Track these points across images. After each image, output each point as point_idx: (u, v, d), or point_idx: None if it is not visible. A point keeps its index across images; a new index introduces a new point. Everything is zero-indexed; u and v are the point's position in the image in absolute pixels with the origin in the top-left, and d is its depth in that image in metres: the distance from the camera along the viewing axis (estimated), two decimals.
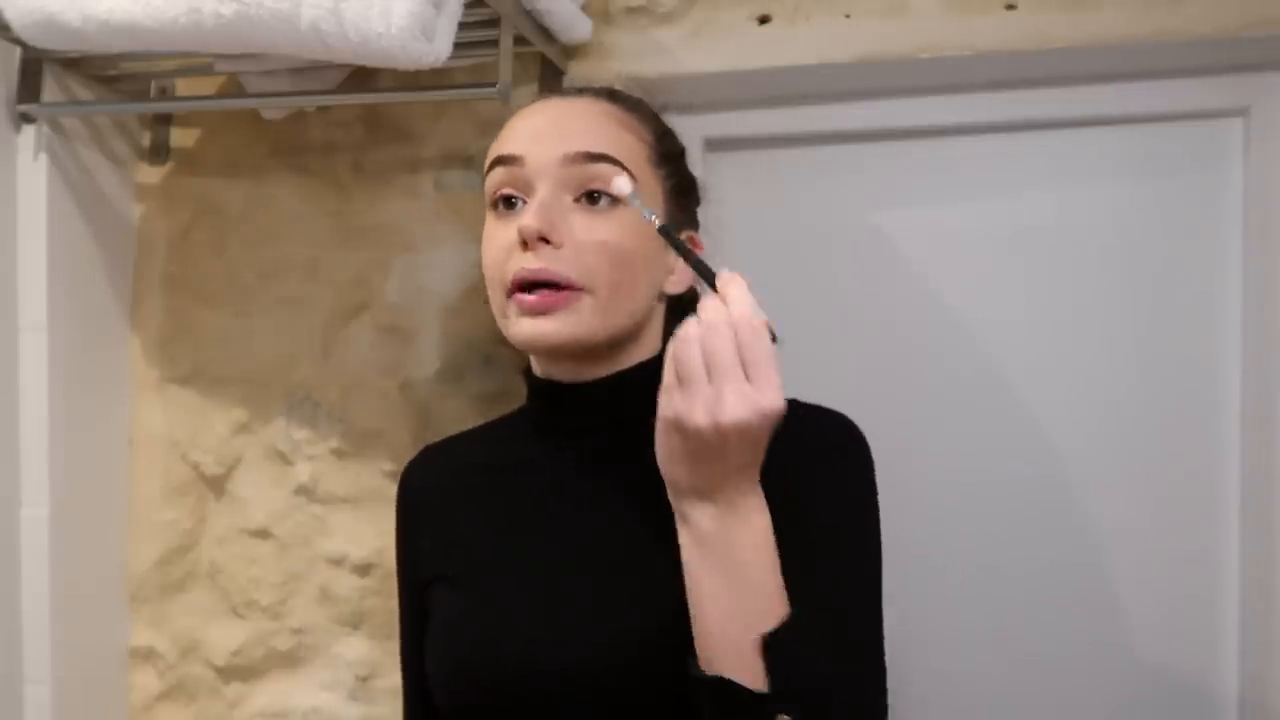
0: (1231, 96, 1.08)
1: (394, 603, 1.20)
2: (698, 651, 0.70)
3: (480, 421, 1.17)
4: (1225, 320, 1.09)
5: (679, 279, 0.87)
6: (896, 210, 1.17)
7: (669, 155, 0.88)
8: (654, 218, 0.74)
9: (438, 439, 1.20)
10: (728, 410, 0.64)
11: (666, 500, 0.74)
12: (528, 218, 0.79)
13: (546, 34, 1.08)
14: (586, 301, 0.80)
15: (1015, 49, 1.05)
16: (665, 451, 0.69)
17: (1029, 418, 1.13)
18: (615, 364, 0.85)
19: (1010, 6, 1.05)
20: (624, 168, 0.81)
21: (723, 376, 0.65)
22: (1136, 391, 1.11)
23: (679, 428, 0.67)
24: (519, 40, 1.04)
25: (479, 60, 1.11)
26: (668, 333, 0.88)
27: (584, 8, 1.10)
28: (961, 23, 1.06)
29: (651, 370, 0.82)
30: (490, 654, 0.81)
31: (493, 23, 1.01)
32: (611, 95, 0.88)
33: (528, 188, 0.82)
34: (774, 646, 0.67)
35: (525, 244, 0.80)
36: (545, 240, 0.79)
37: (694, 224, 0.92)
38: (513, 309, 0.81)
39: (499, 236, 0.83)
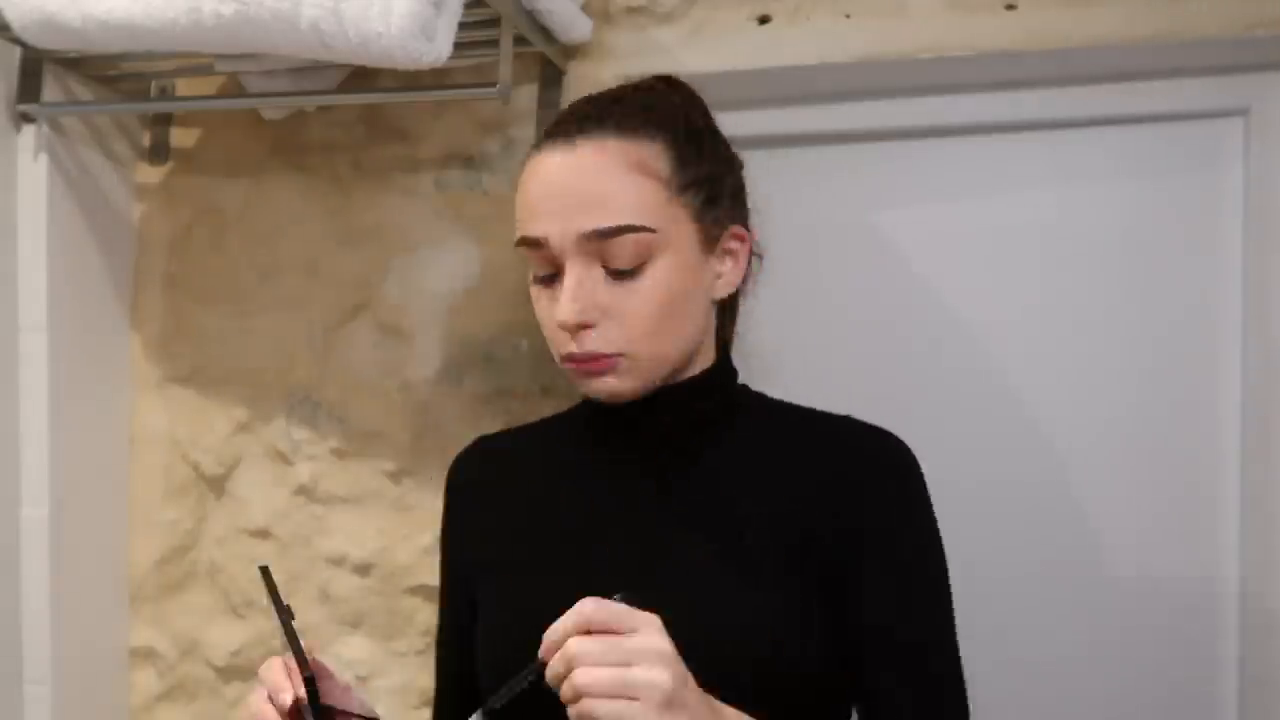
0: (1231, 96, 1.08)
1: (394, 603, 1.21)
2: None
3: (480, 421, 1.18)
4: (1225, 320, 1.09)
5: (726, 282, 0.87)
6: (896, 210, 1.17)
7: (693, 176, 0.84)
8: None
9: (434, 436, 1.21)
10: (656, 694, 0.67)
11: (719, 508, 0.83)
12: (561, 312, 0.81)
13: (546, 34, 1.08)
14: (626, 364, 0.83)
15: (1015, 49, 1.05)
16: None
17: (1028, 417, 1.13)
18: (672, 377, 0.87)
19: (1010, 6, 1.05)
20: (644, 229, 0.80)
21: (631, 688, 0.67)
22: (1137, 391, 1.11)
23: None
24: (519, 40, 1.04)
25: (479, 60, 1.11)
26: (720, 335, 0.92)
27: (584, 8, 1.10)
28: (961, 22, 1.06)
29: (706, 380, 0.88)
30: None
31: (493, 23, 1.02)
32: (618, 125, 0.83)
33: (557, 263, 0.83)
34: None
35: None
36: (583, 326, 0.82)
37: (739, 218, 0.89)
38: (570, 371, 0.85)
39: (544, 310, 0.86)
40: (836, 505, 0.82)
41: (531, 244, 0.83)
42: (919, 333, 1.16)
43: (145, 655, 1.28)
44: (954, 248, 1.15)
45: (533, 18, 1.04)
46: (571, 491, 0.89)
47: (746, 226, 0.89)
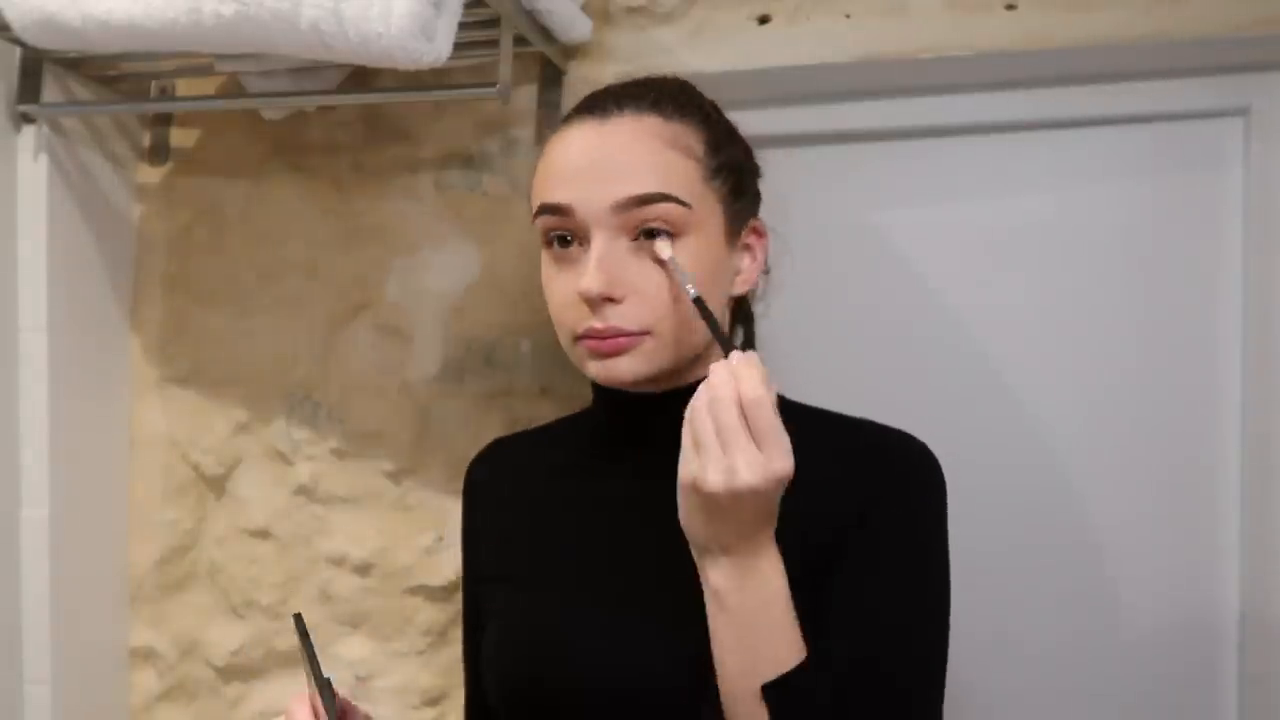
0: (1231, 96, 1.08)
1: (394, 603, 1.21)
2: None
3: (480, 421, 1.18)
4: (1225, 320, 1.09)
5: (745, 278, 0.87)
6: (896, 210, 1.17)
7: (721, 155, 0.84)
8: (690, 288, 0.78)
9: (434, 436, 1.20)
10: (740, 476, 0.68)
11: None
12: (588, 280, 0.77)
13: (546, 34, 1.08)
14: (651, 343, 0.80)
15: (1015, 49, 1.05)
16: (684, 510, 0.73)
17: (1029, 418, 1.13)
18: (683, 378, 0.85)
19: (1010, 6, 1.05)
20: (680, 201, 0.79)
21: (734, 446, 0.69)
22: (1137, 391, 1.11)
23: (696, 490, 0.70)
24: (519, 40, 1.04)
25: (479, 60, 1.11)
26: (732, 333, 0.90)
27: (584, 7, 1.10)
28: (961, 23, 1.06)
29: None
30: (549, 661, 0.81)
31: (493, 22, 1.02)
32: (655, 103, 0.83)
33: (581, 232, 0.81)
34: (775, 695, 0.71)
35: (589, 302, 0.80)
36: (608, 299, 0.79)
37: (754, 210, 0.89)
38: (581, 352, 0.82)
39: (560, 285, 0.82)
40: (848, 512, 0.79)
41: (553, 210, 0.81)
42: (918, 333, 1.16)
43: (145, 655, 1.28)
44: (954, 248, 1.15)
45: (533, 18, 1.04)
46: (582, 500, 0.88)
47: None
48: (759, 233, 0.88)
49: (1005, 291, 1.14)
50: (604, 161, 0.80)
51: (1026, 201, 1.13)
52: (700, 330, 0.82)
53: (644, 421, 0.86)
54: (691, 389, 0.82)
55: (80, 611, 1.21)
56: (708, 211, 0.82)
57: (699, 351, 0.84)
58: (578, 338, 0.81)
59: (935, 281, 1.15)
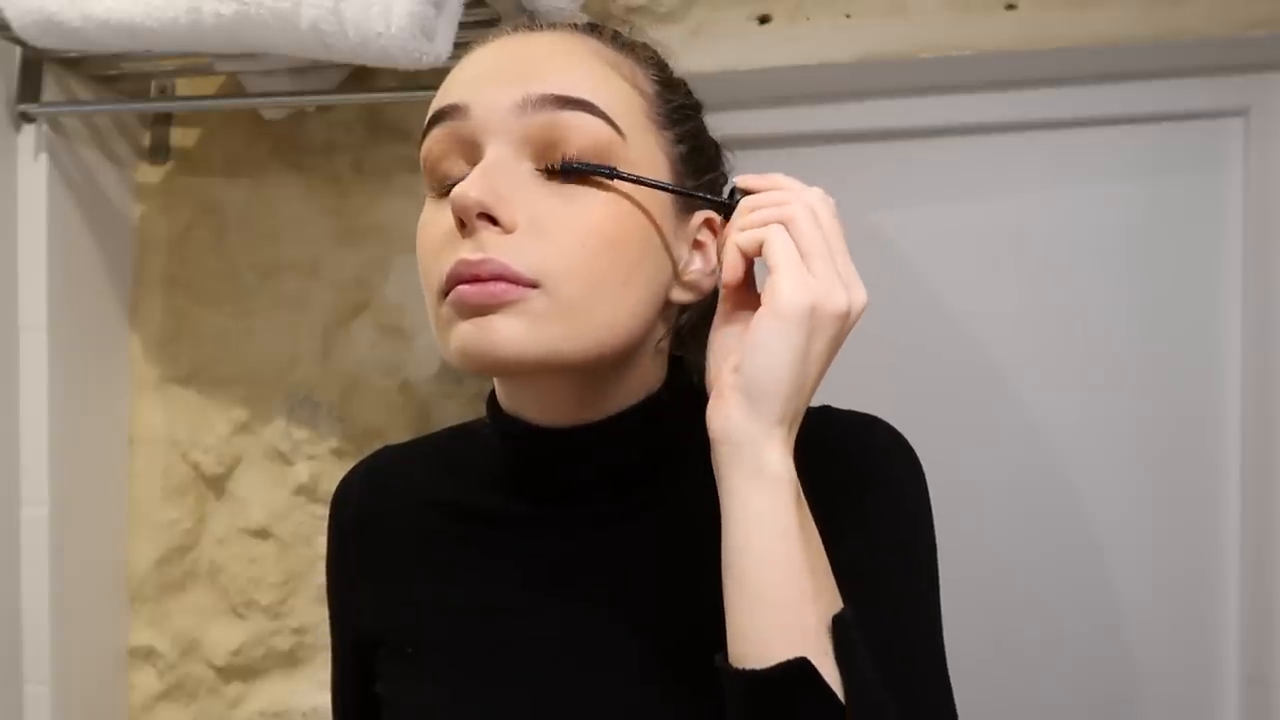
0: (1231, 96, 1.08)
1: None
2: (746, 643, 0.54)
3: None
4: (1225, 320, 1.09)
5: (693, 281, 0.65)
6: (896, 210, 1.17)
7: (678, 112, 0.65)
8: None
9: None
10: (859, 293, 0.58)
11: (680, 580, 0.62)
12: (463, 185, 0.57)
13: None
14: (542, 303, 0.57)
15: (1015, 49, 1.05)
16: (774, 361, 0.55)
17: (1027, 417, 1.13)
18: (602, 404, 0.65)
19: (1010, 6, 1.06)
20: (610, 121, 0.59)
21: (839, 261, 0.58)
22: (1137, 391, 1.11)
23: (815, 316, 0.56)
24: None
25: None
26: (674, 363, 0.69)
27: (584, 8, 1.10)
28: (961, 23, 1.06)
29: (653, 414, 0.66)
30: None
31: (493, 22, 1.02)
32: (594, 28, 0.65)
33: (474, 150, 0.60)
34: (843, 630, 0.54)
35: (463, 225, 0.58)
36: (491, 220, 0.57)
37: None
38: (446, 315, 0.59)
39: (436, 223, 0.62)
40: (823, 514, 0.60)
41: (444, 117, 0.62)
42: (918, 333, 1.16)
43: (145, 655, 1.28)
44: (953, 247, 1.15)
45: (533, 18, 1.04)
46: (488, 560, 0.68)
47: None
48: (714, 228, 0.66)
49: (1004, 291, 1.14)
50: (518, 58, 0.61)
51: (1026, 201, 1.13)
52: (630, 307, 0.60)
53: (558, 466, 0.66)
54: (619, 421, 0.65)
55: (80, 611, 1.21)
56: (648, 160, 0.61)
57: (624, 349, 0.62)
58: (444, 291, 0.59)
59: (934, 281, 1.15)
